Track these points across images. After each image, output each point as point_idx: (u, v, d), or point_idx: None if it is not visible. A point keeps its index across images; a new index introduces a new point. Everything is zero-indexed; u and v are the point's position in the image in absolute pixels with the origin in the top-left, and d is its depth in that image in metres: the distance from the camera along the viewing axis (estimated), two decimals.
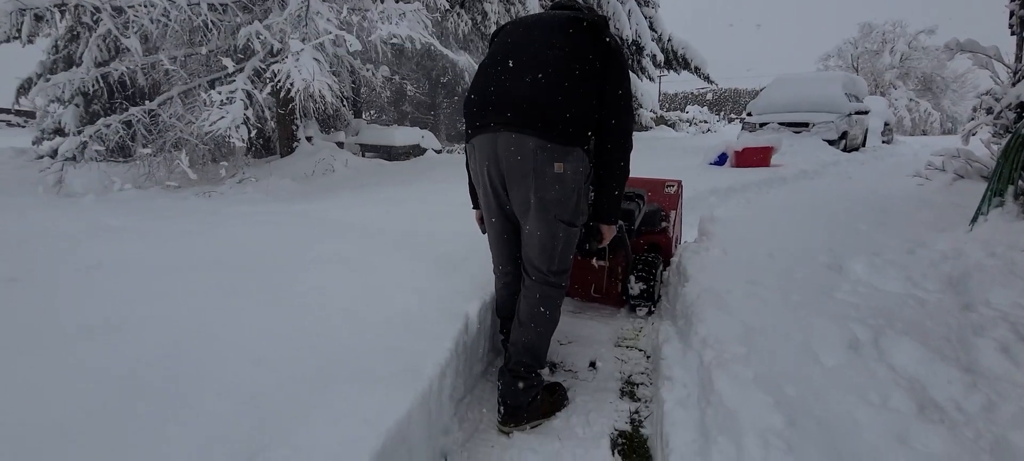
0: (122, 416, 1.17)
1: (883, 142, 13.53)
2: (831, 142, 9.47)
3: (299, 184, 6.10)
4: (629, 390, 2.00)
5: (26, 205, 4.20)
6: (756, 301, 1.97)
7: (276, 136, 7.59)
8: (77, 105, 7.25)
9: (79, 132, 5.85)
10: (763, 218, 3.71)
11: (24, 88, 7.96)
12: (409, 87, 9.16)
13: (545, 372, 1.95)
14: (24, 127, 14.95)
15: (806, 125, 9.83)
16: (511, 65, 1.58)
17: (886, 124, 14.23)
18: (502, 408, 1.71)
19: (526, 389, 1.70)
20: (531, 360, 1.73)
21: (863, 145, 11.37)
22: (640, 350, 2.33)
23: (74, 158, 5.70)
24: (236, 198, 5.18)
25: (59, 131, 7.29)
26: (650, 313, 2.69)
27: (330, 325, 1.71)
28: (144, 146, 6.35)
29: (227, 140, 5.97)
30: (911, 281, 2.09)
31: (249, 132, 5.08)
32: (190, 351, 1.49)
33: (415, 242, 2.85)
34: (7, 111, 15.29)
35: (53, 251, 2.63)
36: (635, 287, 2.61)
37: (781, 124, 9.97)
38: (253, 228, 3.32)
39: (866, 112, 11.01)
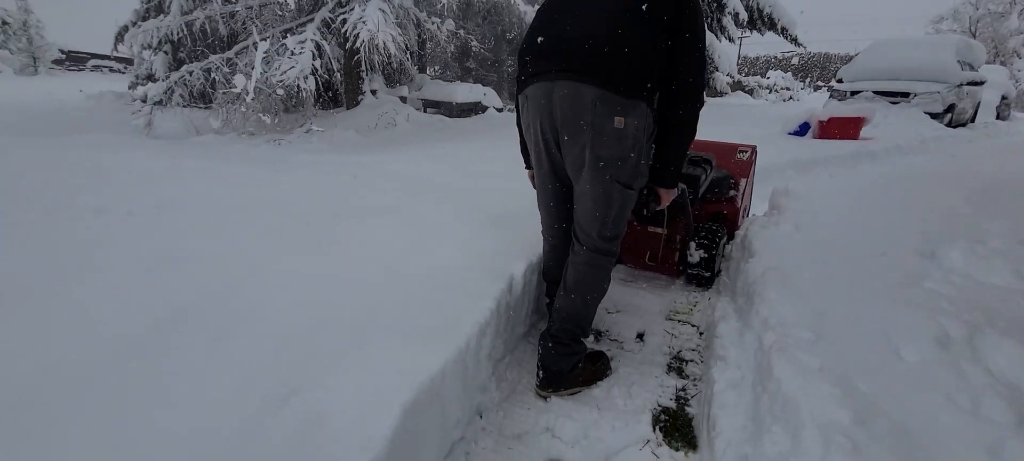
0: (172, 344, 1.23)
1: (998, 118, 11.95)
2: (934, 115, 8.46)
3: (362, 136, 6.24)
4: (677, 366, 1.90)
5: (119, 144, 4.56)
6: (829, 284, 1.79)
7: (343, 88, 7.76)
8: (165, 52, 7.73)
9: (167, 78, 6.24)
10: (846, 195, 3.38)
11: (120, 35, 8.57)
12: (474, 42, 9.03)
13: (589, 340, 1.88)
14: (123, 73, 16.26)
15: (906, 95, 8.81)
16: (572, 8, 1.45)
17: (1003, 98, 12.52)
18: (541, 373, 1.67)
19: (567, 356, 1.65)
20: (575, 328, 1.66)
21: (973, 120, 10.09)
22: (693, 326, 2.20)
23: (161, 102, 6.11)
24: (303, 147, 5.37)
25: (151, 77, 7.83)
26: (708, 287, 2.54)
27: (374, 275, 1.72)
28: (223, 92, 6.69)
29: (298, 90, 6.15)
30: (1020, 275, 1.82)
31: (317, 83, 5.20)
32: (242, 289, 1.54)
33: (467, 198, 2.83)
34: (107, 57, 16.77)
35: (136, 187, 2.82)
36: (695, 254, 2.44)
37: (876, 93, 9.00)
38: (314, 176, 3.42)
39: (981, 83, 9.71)
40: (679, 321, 2.24)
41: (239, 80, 5.30)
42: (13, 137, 4.59)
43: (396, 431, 1.02)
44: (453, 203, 2.71)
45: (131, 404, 1.03)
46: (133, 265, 1.65)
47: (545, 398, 1.66)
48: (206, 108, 7.09)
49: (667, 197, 1.62)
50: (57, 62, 19.47)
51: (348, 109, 7.36)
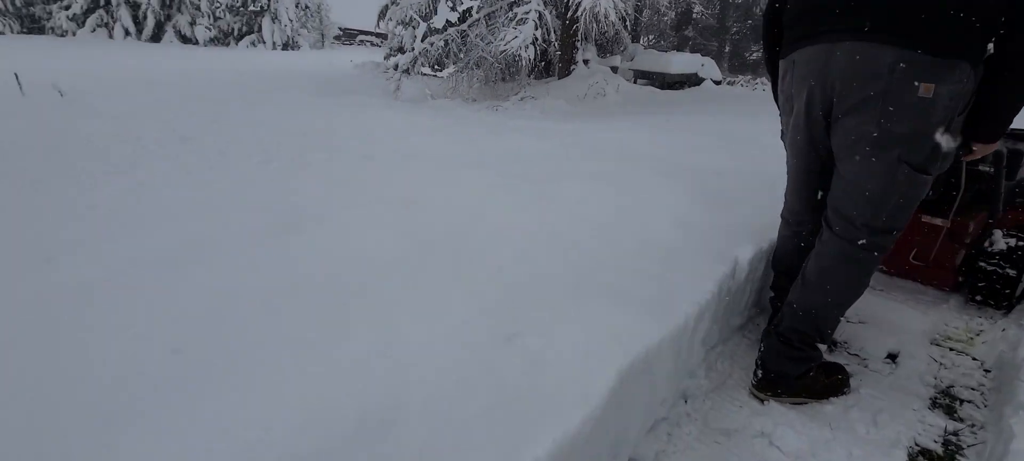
0: (418, 272, 1.42)
1: None
2: None
3: (571, 105, 6.35)
4: (945, 403, 1.51)
5: (377, 105, 5.47)
6: None
7: (557, 58, 8.00)
8: (413, 26, 8.95)
9: (412, 49, 7.24)
10: None
11: (382, 13, 10.19)
12: (696, 8, 8.35)
13: (823, 348, 1.62)
14: (379, 46, 19.50)
15: None
16: None
17: None
18: (760, 372, 1.49)
19: (796, 360, 1.44)
20: (810, 329, 1.43)
21: None
22: (974, 359, 1.72)
23: (408, 71, 7.12)
24: (516, 113, 5.71)
25: (401, 49, 9.18)
26: (1005, 307, 1.94)
27: (587, 237, 1.74)
28: (454, 63, 7.49)
29: (516, 60, 6.53)
30: None
31: (536, 52, 5.44)
32: (471, 233, 1.70)
33: (680, 172, 2.66)
34: (370, 33, 20.44)
35: (390, 140, 3.35)
36: (1000, 241, 1.86)
37: None
38: (528, 140, 3.60)
39: None
40: (951, 349, 1.77)
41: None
42: (307, 96, 5.87)
43: (611, 393, 1.01)
44: (666, 175, 2.57)
45: (396, 315, 1.23)
46: (391, 202, 1.96)
47: (761, 400, 1.48)
48: (437, 76, 8.07)
49: (981, 151, 1.27)
50: (336, 38, 24.28)
51: (559, 78, 7.56)
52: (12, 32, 16.62)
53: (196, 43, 18.02)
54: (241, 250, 1.53)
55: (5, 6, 16.63)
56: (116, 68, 7.98)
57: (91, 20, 17.11)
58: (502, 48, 5.48)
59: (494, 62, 6.93)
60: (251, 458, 0.81)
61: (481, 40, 6.32)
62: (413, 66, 7.12)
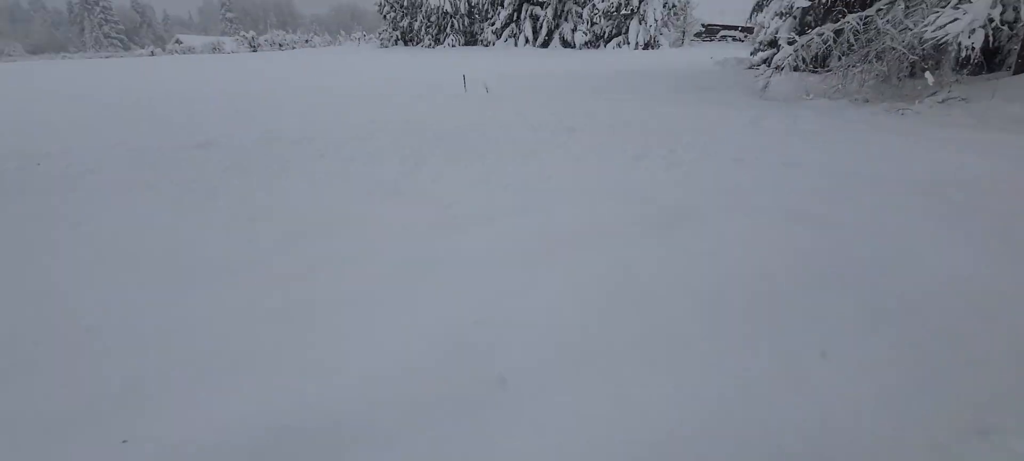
0: (820, 304, 1.20)
1: None
2: None
3: None
4: None
5: (744, 104, 5.12)
6: None
7: (1011, 46, 5.73)
8: (794, 17, 7.96)
9: (791, 43, 6.42)
10: None
11: (759, 7, 9.44)
12: None
13: None
14: (742, 41, 18.29)
15: None
16: None
17: None
18: None
19: None
20: None
21: None
22: None
23: (780, 68, 6.37)
24: (936, 120, 4.37)
25: (773, 43, 8.32)
26: None
27: None
28: (839, 58, 6.30)
29: (940, 50, 4.98)
30: None
31: (987, 38, 4.01)
32: (887, 269, 1.35)
33: None
34: (733, 28, 19.41)
35: (761, 143, 3.05)
36: None
37: None
38: (964, 156, 2.70)
39: None
40: None
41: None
42: (670, 94, 5.96)
43: None
44: None
45: (799, 348, 1.07)
46: (769, 211, 1.75)
47: None
48: (816, 72, 6.93)
49: None
50: (697, 35, 24.07)
51: (1015, 74, 5.41)
52: (459, 45, 23.07)
53: (574, 46, 20.93)
54: (628, 241, 1.63)
55: (455, 27, 23.23)
56: (517, 69, 9.98)
57: (505, 32, 22.04)
58: (929, 35, 4.24)
59: (904, 53, 5.48)
60: None
61: (893, 26, 5.07)
62: (789, 62, 6.34)
